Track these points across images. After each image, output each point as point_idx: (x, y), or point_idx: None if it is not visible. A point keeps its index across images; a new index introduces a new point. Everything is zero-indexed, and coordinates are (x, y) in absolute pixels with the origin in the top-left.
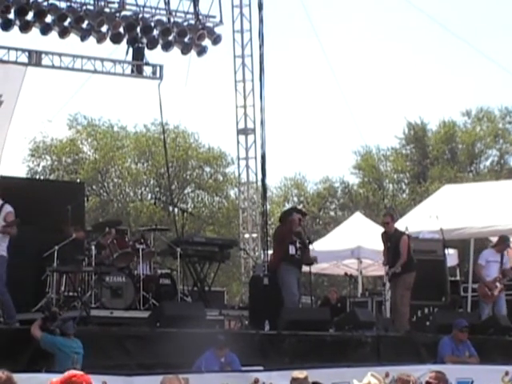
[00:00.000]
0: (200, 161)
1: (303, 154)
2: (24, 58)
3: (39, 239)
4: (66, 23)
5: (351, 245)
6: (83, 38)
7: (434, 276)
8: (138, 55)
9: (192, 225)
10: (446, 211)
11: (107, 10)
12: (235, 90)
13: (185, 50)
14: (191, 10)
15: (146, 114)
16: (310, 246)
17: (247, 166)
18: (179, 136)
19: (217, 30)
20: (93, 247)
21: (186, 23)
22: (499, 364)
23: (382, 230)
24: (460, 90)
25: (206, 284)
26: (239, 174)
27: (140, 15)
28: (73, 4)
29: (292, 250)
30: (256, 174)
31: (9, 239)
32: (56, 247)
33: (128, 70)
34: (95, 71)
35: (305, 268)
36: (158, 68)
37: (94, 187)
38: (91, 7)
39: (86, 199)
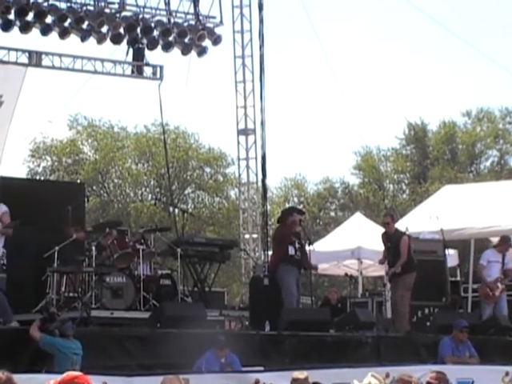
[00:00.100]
0: (200, 161)
1: (303, 155)
2: (24, 59)
3: (39, 240)
4: (67, 24)
5: (351, 245)
6: (83, 39)
7: (435, 276)
8: (139, 56)
9: (192, 225)
10: (447, 212)
11: (107, 10)
12: (235, 91)
13: (185, 51)
14: (191, 10)
15: (147, 114)
16: (311, 247)
17: (247, 167)
18: (179, 136)
19: (217, 30)
20: (93, 248)
21: (186, 24)
22: (499, 364)
23: (382, 230)
24: (460, 90)
25: (207, 284)
26: (239, 175)
27: (140, 16)
28: (73, 5)
29: (291, 250)
30: (256, 175)
31: (4, 239)
32: (56, 248)
33: (128, 71)
34: (95, 72)
35: None
36: (159, 68)
37: (94, 188)
38: (91, 8)
39: (86, 200)
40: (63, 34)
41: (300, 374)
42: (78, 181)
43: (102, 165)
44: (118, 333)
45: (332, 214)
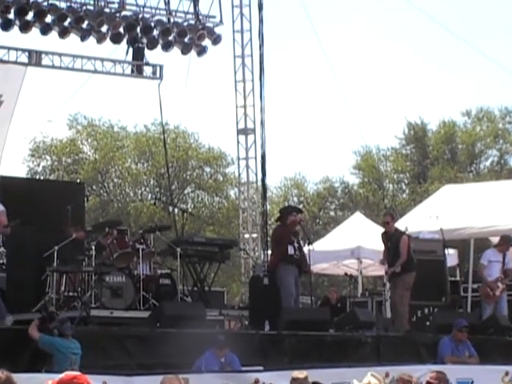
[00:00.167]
0: (200, 161)
1: (303, 154)
2: (24, 58)
3: (39, 239)
4: (66, 23)
5: (351, 245)
6: (83, 38)
7: (434, 276)
8: (138, 55)
9: (192, 225)
10: (446, 211)
11: (107, 10)
12: (235, 90)
13: (185, 50)
14: (191, 10)
15: (146, 114)
16: (310, 247)
17: (247, 166)
18: (179, 136)
19: (217, 30)
20: (93, 247)
21: (186, 23)
22: (499, 364)
23: (382, 230)
24: (460, 90)
25: (206, 284)
26: (239, 174)
27: (140, 15)
28: (73, 4)
29: (291, 250)
30: (256, 174)
31: (1, 238)
32: (56, 247)
33: (128, 70)
34: (95, 71)
35: None
36: (158, 68)
37: (94, 187)
38: (91, 7)
39: (86, 199)
40: (63, 33)
41: (299, 374)
42: (78, 180)
43: (101, 164)
44: (117, 332)
45: (332, 213)
